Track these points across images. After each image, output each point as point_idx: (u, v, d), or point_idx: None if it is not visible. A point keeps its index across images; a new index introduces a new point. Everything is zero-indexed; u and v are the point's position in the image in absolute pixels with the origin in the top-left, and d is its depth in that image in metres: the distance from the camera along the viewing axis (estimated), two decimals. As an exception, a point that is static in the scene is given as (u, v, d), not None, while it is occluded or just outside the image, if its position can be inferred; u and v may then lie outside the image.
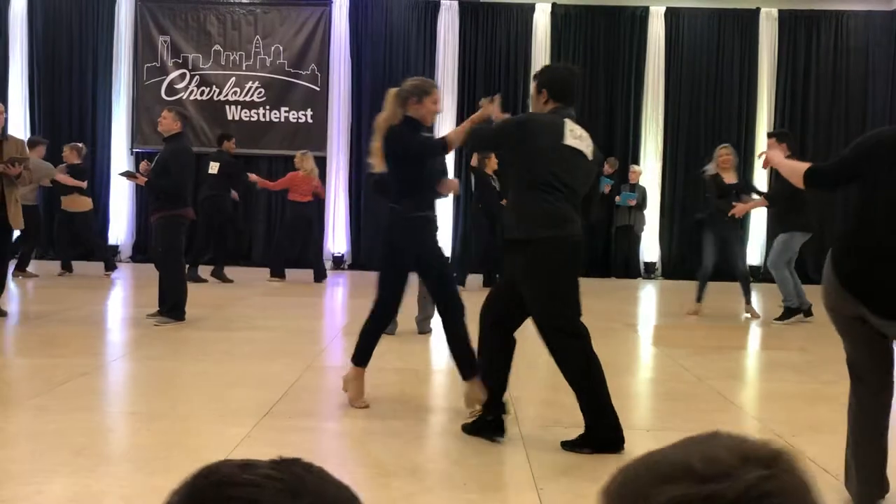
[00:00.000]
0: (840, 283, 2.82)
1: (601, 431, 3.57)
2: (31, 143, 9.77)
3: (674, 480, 0.67)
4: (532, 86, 3.88)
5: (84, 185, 10.16)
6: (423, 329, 6.57)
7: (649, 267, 12.41)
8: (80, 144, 10.43)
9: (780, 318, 7.85)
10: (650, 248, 12.49)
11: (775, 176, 8.04)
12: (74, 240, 10.46)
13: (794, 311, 7.85)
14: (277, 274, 10.22)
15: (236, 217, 10.68)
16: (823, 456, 3.58)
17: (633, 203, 11.74)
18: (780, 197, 7.56)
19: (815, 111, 12.54)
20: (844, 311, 2.86)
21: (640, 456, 0.73)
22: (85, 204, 10.22)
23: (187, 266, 9.88)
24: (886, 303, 2.72)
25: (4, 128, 7.00)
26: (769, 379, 5.60)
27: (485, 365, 3.85)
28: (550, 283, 3.58)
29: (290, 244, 10.24)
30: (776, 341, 7.12)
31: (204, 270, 10.04)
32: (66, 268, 10.34)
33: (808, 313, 7.78)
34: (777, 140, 7.45)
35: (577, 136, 3.66)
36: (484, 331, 3.77)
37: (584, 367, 3.59)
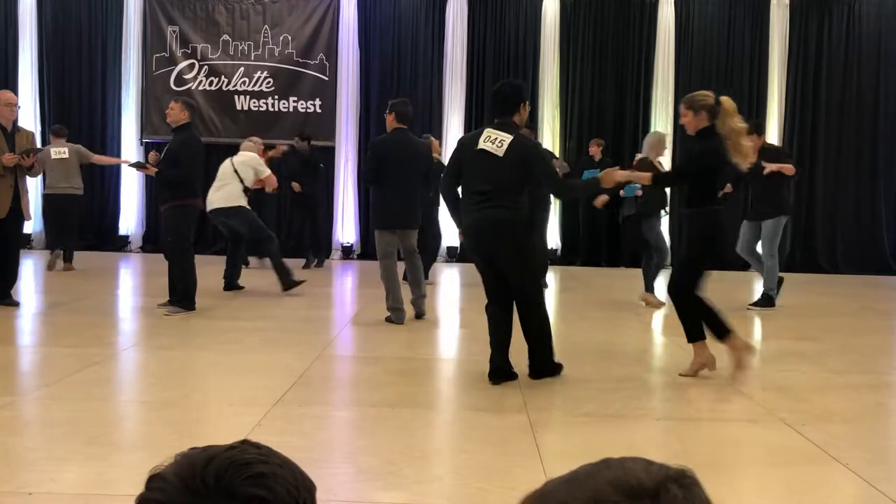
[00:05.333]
0: None
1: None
2: (56, 133, 9.80)
3: None
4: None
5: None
6: (420, 308, 6.60)
7: (659, 256, 12.38)
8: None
9: (759, 304, 7.94)
10: (660, 237, 12.45)
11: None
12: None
13: (772, 299, 7.89)
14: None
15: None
16: (835, 445, 3.58)
17: (640, 193, 11.71)
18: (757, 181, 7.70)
19: (826, 98, 12.44)
20: None
21: (545, 483, 0.78)
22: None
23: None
24: None
25: (15, 120, 7.03)
26: (780, 368, 5.58)
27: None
28: None
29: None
30: (787, 331, 7.09)
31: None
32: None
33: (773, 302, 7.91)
34: (757, 133, 7.73)
35: (492, 141, 4.55)
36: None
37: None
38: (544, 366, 4.67)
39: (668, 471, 0.72)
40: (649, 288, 8.10)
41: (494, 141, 4.54)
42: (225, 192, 8.00)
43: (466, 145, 4.71)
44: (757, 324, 7.57)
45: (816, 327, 7.10)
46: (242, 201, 8.02)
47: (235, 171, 8.08)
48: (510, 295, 4.62)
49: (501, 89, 4.72)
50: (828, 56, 12.44)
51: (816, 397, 4.54)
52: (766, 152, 7.82)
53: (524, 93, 4.75)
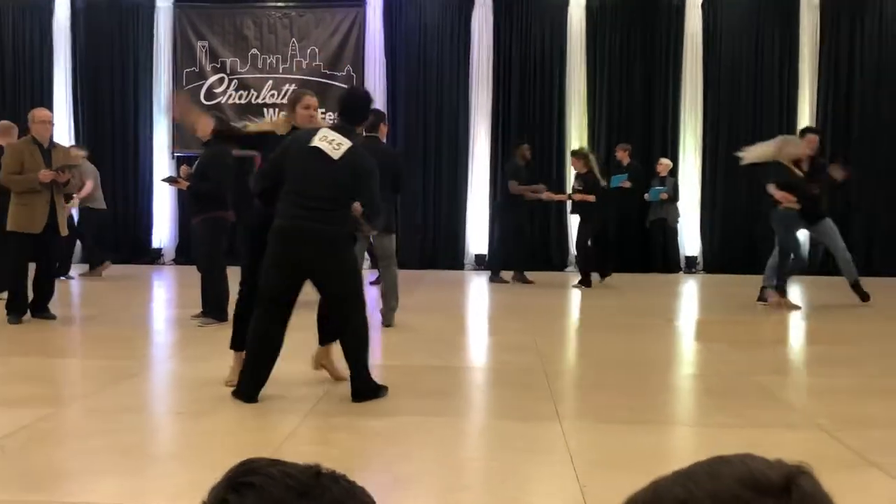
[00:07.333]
0: None
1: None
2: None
3: None
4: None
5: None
6: (388, 321, 6.59)
7: (691, 261, 12.27)
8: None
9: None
10: (691, 243, 12.34)
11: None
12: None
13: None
14: None
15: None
16: (872, 451, 3.52)
17: (666, 196, 11.63)
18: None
19: (860, 101, 12.23)
20: None
21: (650, 484, 0.73)
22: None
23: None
24: None
25: (51, 136, 7.15)
26: (814, 373, 5.50)
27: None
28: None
29: None
30: (822, 335, 6.99)
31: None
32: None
33: None
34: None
35: (328, 140, 4.24)
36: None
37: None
38: (367, 386, 4.33)
39: (790, 466, 0.69)
40: (780, 289, 7.98)
41: (332, 142, 4.21)
42: None
43: (295, 142, 4.32)
44: (793, 328, 7.46)
45: (852, 331, 6.98)
46: None
47: None
48: (290, 311, 4.42)
49: (356, 94, 4.73)
50: (860, 57, 12.25)
51: (853, 402, 4.46)
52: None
53: (369, 112, 4.74)
